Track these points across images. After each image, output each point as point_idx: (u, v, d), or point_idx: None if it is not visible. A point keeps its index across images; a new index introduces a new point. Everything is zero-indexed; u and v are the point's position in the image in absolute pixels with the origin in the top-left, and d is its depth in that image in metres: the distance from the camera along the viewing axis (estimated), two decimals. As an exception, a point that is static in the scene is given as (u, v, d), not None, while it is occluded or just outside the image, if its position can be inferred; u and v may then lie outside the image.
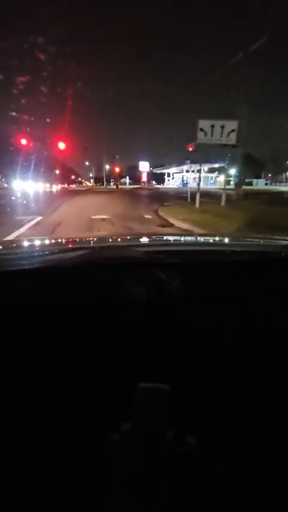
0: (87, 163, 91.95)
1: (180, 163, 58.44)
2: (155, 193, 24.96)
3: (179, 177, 57.70)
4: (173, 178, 62.50)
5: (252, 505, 0.44)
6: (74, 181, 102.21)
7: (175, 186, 51.85)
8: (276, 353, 0.62)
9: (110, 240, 1.35)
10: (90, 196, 19.49)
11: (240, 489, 0.45)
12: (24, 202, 14.47)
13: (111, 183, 71.69)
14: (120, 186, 46.10)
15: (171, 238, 1.46)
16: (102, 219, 7.57)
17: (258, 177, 65.10)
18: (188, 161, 48.07)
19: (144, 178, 49.56)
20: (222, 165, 53.06)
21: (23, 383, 0.57)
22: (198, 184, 12.00)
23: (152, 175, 60.77)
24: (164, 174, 66.33)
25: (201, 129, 8.44)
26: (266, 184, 60.17)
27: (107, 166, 64.49)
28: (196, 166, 49.45)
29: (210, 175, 55.03)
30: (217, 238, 1.34)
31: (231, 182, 57.35)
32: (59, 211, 9.77)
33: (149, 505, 0.26)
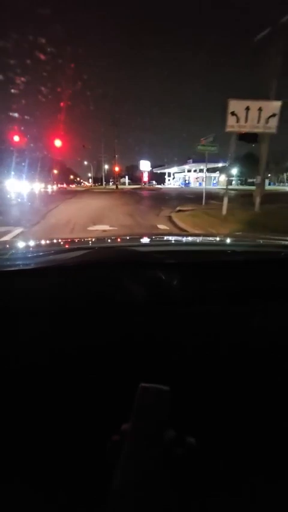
0: (85, 162, 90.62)
1: (181, 162, 57.23)
2: (159, 194, 22.97)
3: (180, 177, 55.89)
4: (173, 178, 60.66)
5: (252, 505, 0.44)
6: (72, 182, 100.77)
7: (176, 186, 50.03)
8: (277, 353, 0.62)
9: (110, 240, 1.34)
10: (88, 198, 17.44)
11: (241, 490, 0.45)
12: (9, 205, 12.35)
13: (110, 183, 70.27)
14: (119, 186, 44.04)
15: (171, 238, 1.47)
16: (104, 232, 5.70)
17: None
18: (190, 160, 46.40)
19: (145, 178, 47.48)
20: (225, 164, 51.70)
21: (23, 383, 0.57)
22: (228, 184, 9.94)
23: (152, 175, 58.77)
24: (164, 174, 64.50)
25: (233, 113, 6.38)
26: (270, 184, 58.37)
27: (106, 166, 62.74)
28: (197, 166, 47.67)
29: (213, 175, 53.14)
30: (217, 239, 1.36)
31: (233, 182, 55.44)
32: (48, 218, 7.80)
33: (149, 506, 0.26)
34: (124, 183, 65.63)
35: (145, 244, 1.17)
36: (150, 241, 1.27)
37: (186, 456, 0.31)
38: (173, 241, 1.31)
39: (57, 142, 26.28)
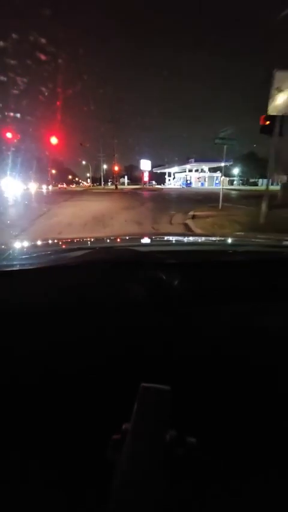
0: (84, 162, 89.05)
1: (181, 162, 55.70)
2: (162, 195, 21.40)
3: (180, 177, 54.29)
4: (174, 178, 59.03)
5: (252, 505, 0.44)
6: (71, 182, 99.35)
7: (177, 187, 48.47)
8: (278, 353, 0.62)
9: (111, 241, 1.33)
10: (86, 200, 15.84)
11: (241, 490, 0.45)
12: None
13: (109, 183, 68.73)
14: (119, 187, 42.43)
15: (171, 238, 1.45)
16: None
17: (264, 176, 62.00)
18: (192, 160, 44.84)
19: (145, 178, 45.84)
20: (228, 163, 50.29)
21: (23, 383, 0.57)
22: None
23: (151, 175, 57.26)
24: (163, 173, 62.94)
25: (279, 89, 4.69)
26: (272, 184, 57.02)
27: (105, 166, 61.16)
28: (199, 165, 46.09)
29: (215, 175, 51.62)
30: (217, 239, 1.35)
31: (235, 182, 53.98)
32: (35, 228, 6.31)
33: (149, 506, 0.26)
34: (123, 183, 64.04)
35: (145, 244, 1.17)
36: (150, 241, 1.26)
37: (187, 456, 0.31)
38: (173, 241, 1.31)
39: (53, 140, 24.78)
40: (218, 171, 53.28)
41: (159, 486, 0.27)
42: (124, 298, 0.70)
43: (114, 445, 0.31)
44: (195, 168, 51.01)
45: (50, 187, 47.33)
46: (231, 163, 52.48)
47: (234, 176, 62.51)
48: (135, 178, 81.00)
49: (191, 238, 1.45)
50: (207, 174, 51.15)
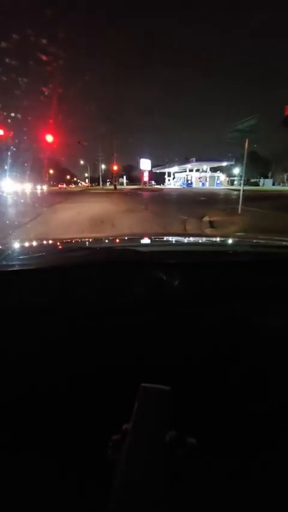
0: (82, 162, 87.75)
1: (181, 162, 54.47)
2: (164, 196, 20.10)
3: (180, 176, 53.00)
4: (173, 178, 57.73)
5: (253, 505, 0.44)
6: (70, 182, 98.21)
7: (177, 187, 47.20)
8: (278, 352, 0.62)
9: (111, 241, 1.34)
10: (84, 202, 14.51)
11: (241, 490, 0.45)
12: None
13: (107, 183, 67.48)
14: (117, 187, 41.04)
15: (172, 238, 1.44)
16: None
17: (265, 176, 60.76)
18: (193, 159, 43.56)
19: (145, 177, 44.48)
20: (230, 163, 49.05)
21: (24, 383, 0.57)
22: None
23: (151, 175, 55.94)
24: (163, 173, 61.65)
25: None
26: (274, 184, 55.81)
27: (103, 166, 59.82)
28: (200, 165, 44.82)
29: (216, 174, 50.42)
30: (218, 239, 1.36)
31: (235, 182, 52.81)
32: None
33: (149, 506, 0.26)
34: (122, 183, 62.75)
35: (146, 245, 1.17)
36: (150, 241, 1.26)
37: (187, 456, 0.31)
38: (173, 242, 1.31)
39: (49, 138, 23.60)
40: (218, 171, 52.26)
41: (159, 486, 0.27)
42: (124, 298, 0.70)
43: (115, 445, 0.31)
44: (196, 168, 49.79)
45: (45, 187, 45.73)
46: (232, 162, 51.48)
47: (234, 176, 61.32)
48: (133, 179, 79.89)
49: (191, 239, 1.45)
50: (209, 174, 49.90)
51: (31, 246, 1.23)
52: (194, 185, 46.57)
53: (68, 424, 0.52)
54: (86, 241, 1.35)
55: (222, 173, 52.13)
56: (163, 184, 60.72)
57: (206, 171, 50.12)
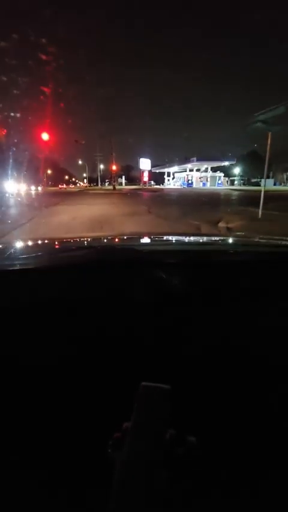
0: (80, 162, 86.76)
1: (181, 162, 53.51)
2: (167, 196, 19.05)
3: (180, 176, 51.98)
4: (173, 178, 56.72)
5: (253, 505, 0.44)
6: (67, 182, 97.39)
7: (177, 187, 46.20)
8: (278, 352, 0.62)
9: (112, 240, 1.33)
10: (82, 203, 13.44)
11: (241, 489, 0.45)
12: None
13: (106, 183, 66.52)
14: (116, 187, 39.96)
15: (172, 238, 1.45)
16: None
17: (266, 176, 59.84)
18: (194, 159, 42.56)
19: (145, 177, 43.44)
20: (232, 162, 48.07)
21: (24, 382, 0.57)
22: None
23: (150, 175, 54.91)
24: (162, 173, 60.63)
25: None
26: (275, 184, 54.92)
27: (102, 166, 58.80)
28: (201, 165, 43.75)
29: (217, 174, 49.41)
30: (218, 239, 1.35)
31: (235, 182, 51.78)
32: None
33: (149, 505, 0.26)
34: (121, 183, 61.69)
35: (146, 244, 1.16)
36: (151, 241, 1.25)
37: (187, 455, 0.31)
38: (174, 242, 1.29)
39: (44, 136, 22.66)
40: (218, 171, 51.29)
41: (159, 485, 0.27)
42: (124, 298, 0.70)
43: (115, 444, 0.31)
44: (196, 168, 48.80)
45: (40, 188, 44.50)
46: (234, 162, 50.60)
47: (234, 176, 60.38)
48: (132, 179, 78.99)
49: (192, 238, 1.43)
50: (210, 173, 48.89)
51: (31, 246, 1.21)
52: (194, 185, 45.59)
53: (69, 422, 0.52)
54: (86, 240, 1.34)
55: (223, 173, 51.12)
56: (162, 184, 59.73)
57: (206, 171, 49.09)
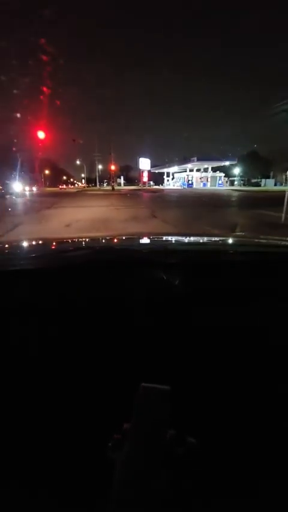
0: (78, 162, 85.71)
1: (181, 162, 52.53)
2: (169, 198, 17.98)
3: (180, 177, 50.99)
4: (173, 178, 55.72)
5: (253, 505, 0.44)
6: (66, 182, 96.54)
7: (177, 187, 45.19)
8: (278, 352, 0.63)
9: (111, 241, 1.33)
10: (79, 206, 12.34)
11: (242, 489, 0.45)
12: None
13: (104, 184, 65.54)
14: (115, 187, 38.82)
15: (172, 238, 1.45)
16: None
17: (266, 176, 58.95)
18: (194, 159, 41.57)
19: (145, 178, 42.35)
20: (233, 162, 47.10)
21: (24, 383, 0.57)
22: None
23: (150, 175, 53.84)
24: (161, 173, 59.65)
25: None
26: (276, 184, 54.03)
27: (100, 166, 57.71)
28: (201, 165, 42.75)
29: (217, 174, 48.42)
30: (218, 239, 1.34)
31: (235, 182, 50.83)
32: None
33: (149, 506, 0.26)
34: (120, 184, 60.66)
35: (146, 245, 1.16)
36: (151, 241, 1.25)
37: (187, 456, 0.31)
38: (173, 242, 1.29)
39: (40, 134, 21.65)
40: (217, 171, 50.32)
41: (159, 486, 0.27)
42: (124, 298, 0.70)
43: (115, 445, 0.31)
44: (197, 168, 47.81)
45: (35, 188, 43.25)
46: (235, 162, 49.67)
47: (234, 176, 59.44)
48: (131, 179, 78.10)
49: (192, 238, 1.41)
50: (210, 174, 47.89)
51: (32, 246, 1.19)
52: (194, 185, 44.60)
53: (68, 423, 0.52)
54: (86, 241, 1.33)
55: (223, 173, 50.13)
56: (162, 184, 58.75)
57: (206, 171, 48.10)
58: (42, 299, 0.69)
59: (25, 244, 1.27)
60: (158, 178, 64.00)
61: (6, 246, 1.23)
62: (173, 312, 0.67)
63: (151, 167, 52.19)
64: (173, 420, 0.32)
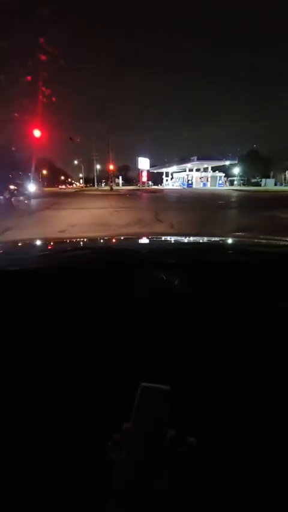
0: (76, 162, 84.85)
1: (180, 162, 51.76)
2: (171, 198, 17.17)
3: (179, 176, 50.21)
4: (171, 178, 54.93)
5: (254, 505, 0.44)
6: (64, 182, 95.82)
7: (176, 187, 44.39)
8: (277, 352, 0.63)
9: (111, 241, 1.33)
10: (76, 207, 11.51)
11: (242, 489, 0.45)
12: None
13: (102, 184, 64.77)
14: (113, 187, 37.94)
15: (171, 238, 1.44)
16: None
17: (266, 176, 58.30)
18: (194, 158, 40.79)
19: (144, 177, 41.49)
20: (233, 162, 46.37)
21: (23, 383, 0.57)
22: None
23: (148, 175, 53.01)
24: (160, 173, 58.88)
25: None
26: (276, 184, 53.38)
27: (98, 166, 56.88)
28: (201, 164, 41.91)
29: (218, 174, 47.67)
30: (218, 239, 1.34)
31: (235, 182, 50.10)
32: None
33: (149, 505, 0.26)
34: (118, 184, 59.82)
35: (145, 244, 1.16)
36: (150, 241, 1.25)
37: (187, 456, 0.31)
38: (173, 242, 1.29)
39: (36, 133, 20.76)
40: (217, 171, 49.61)
41: (159, 486, 0.27)
42: (124, 298, 0.70)
43: (115, 445, 0.31)
44: (196, 168, 47.04)
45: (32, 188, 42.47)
46: (235, 162, 48.99)
47: (234, 176, 58.76)
48: (129, 179, 77.44)
49: (191, 238, 1.40)
50: (210, 173, 47.13)
51: (32, 246, 1.19)
52: (194, 185, 43.83)
53: (68, 423, 0.52)
54: (86, 241, 1.32)
55: (223, 173, 49.40)
56: (161, 184, 57.98)
57: (206, 171, 47.33)
58: (42, 299, 0.68)
59: (25, 244, 1.27)
60: (156, 178, 63.33)
61: (6, 246, 1.23)
62: (173, 312, 0.67)
63: (150, 167, 51.40)
64: (173, 420, 0.32)
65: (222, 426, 0.51)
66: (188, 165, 46.35)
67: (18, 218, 8.08)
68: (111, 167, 38.31)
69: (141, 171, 41.78)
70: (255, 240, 1.33)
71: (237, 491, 0.44)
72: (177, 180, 50.44)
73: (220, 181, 46.63)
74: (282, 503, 0.43)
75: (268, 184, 51.67)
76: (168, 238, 1.45)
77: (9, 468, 0.48)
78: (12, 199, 12.34)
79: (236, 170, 57.82)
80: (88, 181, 78.01)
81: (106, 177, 51.63)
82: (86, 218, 7.84)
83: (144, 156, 44.50)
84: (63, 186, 75.88)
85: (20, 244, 1.28)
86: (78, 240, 1.39)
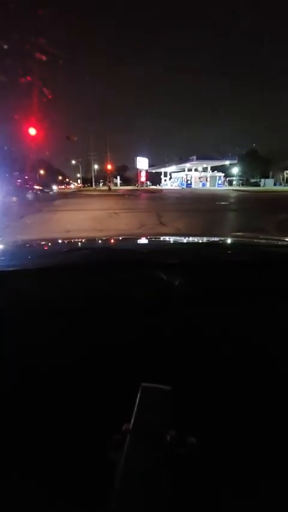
0: (73, 162, 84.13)
1: (179, 161, 51.19)
2: (171, 199, 16.54)
3: (178, 176, 49.60)
4: (170, 178, 54.33)
5: (254, 505, 0.44)
6: (61, 182, 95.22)
7: (175, 187, 43.80)
8: (278, 352, 0.63)
9: (111, 241, 1.33)
10: (71, 211, 10.83)
11: (242, 489, 0.45)
12: None
13: (100, 184, 64.17)
14: (111, 187, 37.26)
15: (171, 238, 1.44)
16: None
17: (266, 176, 57.84)
18: (194, 157, 40.16)
19: (142, 177, 40.86)
20: (233, 162, 45.82)
21: (23, 383, 0.57)
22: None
23: (147, 175, 52.37)
24: (158, 173, 58.22)
25: None
26: (275, 184, 52.92)
27: (96, 166, 56.20)
28: (201, 164, 41.26)
29: (217, 174, 47.12)
30: (218, 239, 1.34)
31: (234, 182, 49.50)
32: None
33: (150, 506, 0.26)
34: (116, 184, 59.15)
35: (145, 245, 1.16)
36: (150, 241, 1.26)
37: (188, 456, 0.30)
38: (173, 242, 1.29)
39: (32, 131, 20.09)
40: (216, 171, 49.08)
41: (159, 486, 0.27)
42: (124, 299, 0.71)
43: (115, 445, 0.31)
44: (195, 167, 46.46)
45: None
46: (235, 161, 48.49)
47: (233, 176, 58.23)
48: (127, 179, 76.74)
49: (191, 239, 1.41)
50: (209, 173, 46.57)
51: (32, 246, 1.19)
52: (193, 185, 43.26)
53: (68, 423, 0.52)
54: (86, 241, 1.32)
55: (222, 173, 48.86)
56: (159, 184, 57.35)
57: (205, 171, 46.76)
58: (42, 299, 0.68)
59: (24, 244, 1.27)
60: (155, 178, 62.64)
61: (6, 246, 1.22)
62: (173, 312, 0.67)
63: (148, 167, 50.73)
64: (173, 420, 0.32)
65: (223, 426, 0.51)
66: (187, 165, 45.75)
67: (12, 222, 7.43)
68: (109, 167, 37.70)
69: (140, 171, 41.15)
70: (255, 240, 1.31)
71: (238, 491, 0.44)
72: (176, 180, 49.83)
73: (219, 181, 46.08)
74: (282, 503, 0.43)
75: (267, 185, 51.17)
76: (168, 238, 1.45)
77: (9, 468, 0.47)
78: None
79: (236, 170, 57.30)
80: (86, 181, 77.44)
81: (104, 177, 51.09)
82: (82, 223, 7.21)
83: (143, 156, 43.87)
84: (62, 186, 75.59)
85: (20, 244, 1.27)
86: (78, 240, 1.37)
